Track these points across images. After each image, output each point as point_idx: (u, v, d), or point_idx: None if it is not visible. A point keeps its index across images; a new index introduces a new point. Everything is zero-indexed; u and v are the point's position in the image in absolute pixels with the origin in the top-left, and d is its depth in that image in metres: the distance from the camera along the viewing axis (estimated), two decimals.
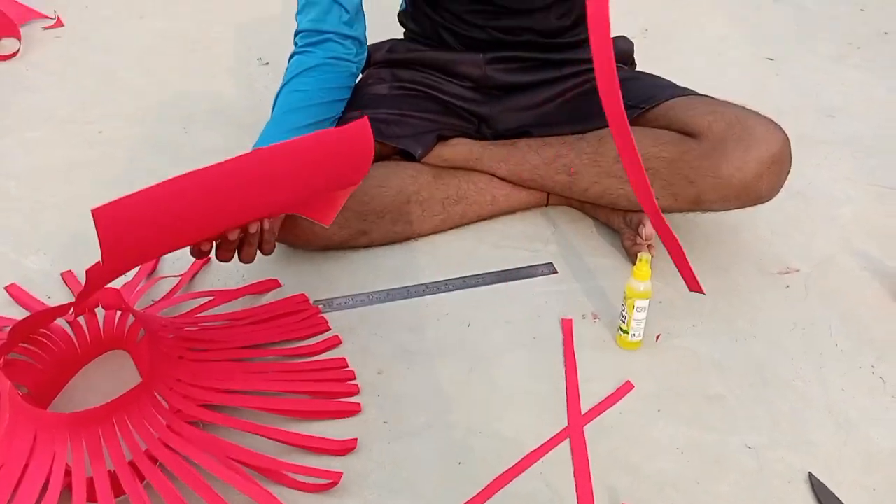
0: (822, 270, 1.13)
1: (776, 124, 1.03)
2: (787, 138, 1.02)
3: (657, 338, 1.00)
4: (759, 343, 1.00)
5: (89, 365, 0.95)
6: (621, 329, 0.97)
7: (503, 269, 1.13)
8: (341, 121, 1.14)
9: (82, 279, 1.10)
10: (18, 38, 1.86)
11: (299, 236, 1.11)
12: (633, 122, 1.11)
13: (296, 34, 1.13)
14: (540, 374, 0.95)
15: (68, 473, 0.74)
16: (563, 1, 1.17)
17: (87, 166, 1.40)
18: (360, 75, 1.26)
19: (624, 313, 0.96)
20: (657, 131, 1.09)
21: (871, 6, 2.09)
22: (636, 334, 0.96)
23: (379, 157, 1.17)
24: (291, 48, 1.14)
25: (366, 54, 1.19)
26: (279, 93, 1.11)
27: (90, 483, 0.73)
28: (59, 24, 1.99)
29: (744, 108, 1.06)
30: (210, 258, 1.14)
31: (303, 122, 1.07)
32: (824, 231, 1.22)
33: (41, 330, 0.91)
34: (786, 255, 1.17)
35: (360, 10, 1.13)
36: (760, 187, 1.02)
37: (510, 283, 1.10)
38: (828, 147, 1.45)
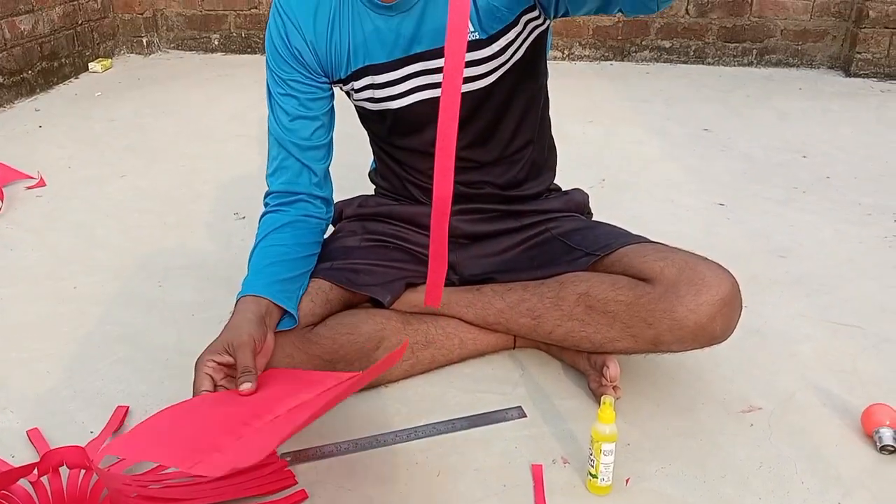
0: (785, 408, 1.16)
1: (724, 269, 1.09)
2: (736, 282, 1.08)
3: (627, 481, 1.00)
4: (727, 484, 1.00)
5: None
6: (591, 474, 0.97)
7: (473, 413, 1.14)
8: (315, 272, 1.18)
9: (48, 436, 1.09)
10: (1, 197, 1.92)
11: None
12: (591, 268, 1.18)
13: (267, 195, 1.21)
14: None
15: None
16: (517, 154, 1.25)
17: (59, 323, 1.42)
18: (332, 228, 1.32)
19: (592, 457, 0.96)
20: (614, 277, 1.14)
21: (812, 153, 2.24)
22: (605, 478, 0.96)
23: (349, 305, 1.21)
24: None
25: (333, 211, 1.26)
26: (256, 247, 1.16)
27: None
28: (41, 184, 2.06)
29: (692, 253, 1.12)
30: None
31: (283, 275, 1.11)
32: (784, 369, 1.25)
33: (2, 492, 0.89)
34: (748, 393, 1.19)
35: (327, 174, 1.22)
36: (714, 328, 1.06)
37: (480, 429, 1.11)
38: (781, 286, 1.51)
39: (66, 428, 1.12)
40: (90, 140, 2.41)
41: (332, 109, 1.21)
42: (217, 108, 2.70)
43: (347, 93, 1.19)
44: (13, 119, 2.63)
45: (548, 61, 1.24)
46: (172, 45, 3.53)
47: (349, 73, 1.14)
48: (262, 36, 3.44)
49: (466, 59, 1.09)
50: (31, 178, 2.09)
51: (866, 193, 1.96)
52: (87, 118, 2.62)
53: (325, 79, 1.17)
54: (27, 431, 1.11)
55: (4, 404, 1.18)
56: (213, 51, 3.50)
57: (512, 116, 1.19)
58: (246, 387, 0.96)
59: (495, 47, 1.09)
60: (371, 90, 1.15)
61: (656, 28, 3.21)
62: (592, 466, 0.96)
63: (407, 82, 1.13)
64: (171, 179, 2.10)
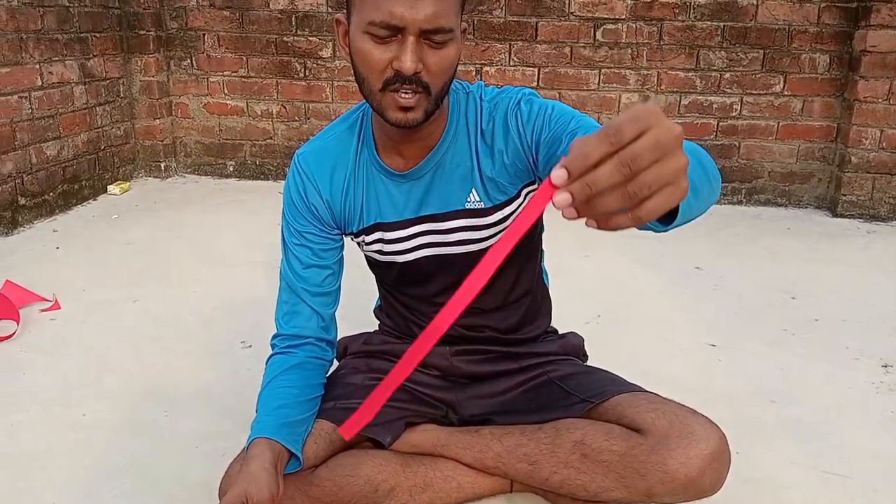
0: None
1: (712, 422, 1.14)
2: (724, 436, 1.13)
3: None
4: None
5: None
6: None
7: None
8: (321, 412, 1.23)
9: None
10: (17, 320, 1.99)
11: None
12: (586, 414, 1.23)
13: (275, 336, 1.27)
14: None
15: None
16: (515, 303, 1.33)
17: (68, 450, 1.45)
18: (336, 363, 1.38)
19: None
20: (608, 426, 1.19)
21: (801, 294, 2.32)
22: None
23: (350, 444, 1.25)
24: (272, 330, 1.27)
25: (336, 351, 1.32)
26: (265, 387, 1.21)
27: None
28: (56, 306, 2.13)
29: (683, 406, 1.17)
30: None
31: (292, 417, 1.15)
32: None
33: None
34: None
35: (333, 317, 1.30)
36: (704, 482, 1.10)
37: None
38: (772, 431, 1.55)
39: None
40: (105, 263, 2.50)
41: (341, 259, 1.30)
42: (229, 233, 2.82)
43: (358, 243, 1.28)
44: (32, 239, 2.73)
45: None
46: (189, 170, 3.70)
47: (361, 227, 1.23)
48: (274, 164, 3.61)
49: (470, 224, 1.19)
50: (47, 300, 2.16)
51: (854, 336, 2.02)
52: (103, 240, 2.72)
53: (337, 231, 1.26)
54: None
55: None
56: (227, 176, 3.66)
57: (512, 269, 1.28)
58: None
59: (498, 216, 1.19)
60: (381, 244, 1.24)
61: None
62: None
63: (414, 240, 1.22)
64: (182, 305, 2.17)
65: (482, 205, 1.18)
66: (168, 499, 1.31)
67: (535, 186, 1.20)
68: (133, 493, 1.33)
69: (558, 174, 0.62)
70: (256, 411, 1.17)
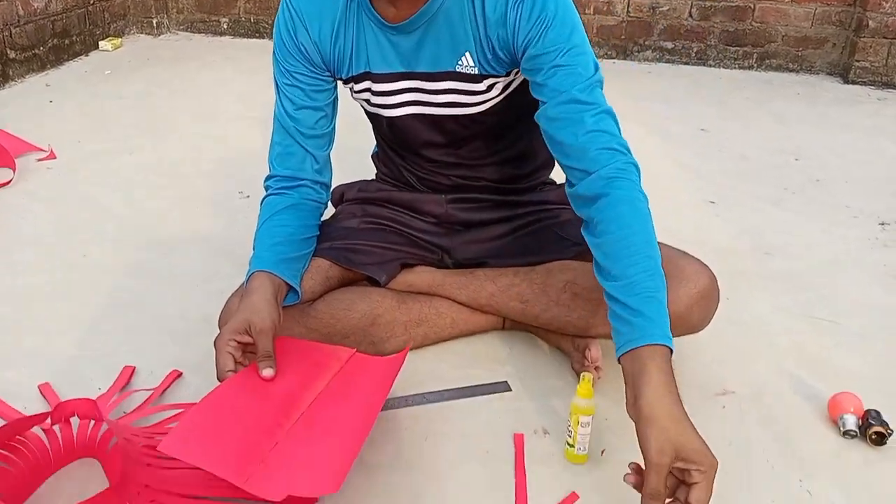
0: (758, 393, 1.22)
1: (703, 264, 1.15)
2: (714, 276, 1.14)
3: (602, 452, 1.06)
4: None
5: (61, 472, 0.98)
6: (568, 443, 1.03)
7: (461, 386, 1.20)
8: (315, 251, 1.24)
9: (58, 391, 1.15)
10: (13, 168, 1.98)
11: None
12: (578, 257, 1.24)
13: (269, 178, 1.24)
14: (492, 486, 1.00)
15: None
16: (515, 157, 1.31)
17: (70, 288, 1.47)
18: (332, 209, 1.38)
19: (570, 429, 1.02)
20: None
21: (805, 156, 2.29)
22: (582, 448, 1.02)
23: (347, 283, 1.27)
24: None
25: (331, 195, 1.31)
26: (261, 226, 1.20)
27: None
28: (52, 156, 2.12)
29: (674, 248, 1.18)
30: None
31: (289, 255, 1.15)
32: (761, 358, 1.31)
33: (17, 437, 0.95)
34: (725, 378, 1.25)
35: (328, 160, 1.27)
36: (692, 318, 1.12)
37: (467, 400, 1.17)
38: (766, 282, 1.57)
39: (76, 384, 1.18)
40: (100, 116, 2.46)
41: (335, 100, 1.25)
42: (224, 90, 2.75)
43: (349, 89, 1.24)
44: (24, 93, 2.68)
45: None
46: (182, 27, 3.57)
47: (350, 75, 1.19)
48: (270, 21, 3.48)
49: (459, 88, 1.15)
50: (42, 150, 2.15)
51: (855, 196, 2.01)
52: (96, 95, 2.67)
53: (328, 74, 1.21)
54: (39, 386, 1.16)
55: (18, 361, 1.24)
56: (221, 34, 3.55)
57: (509, 132, 1.25)
58: (268, 373, 1.01)
59: (486, 84, 1.15)
60: (368, 94, 1.20)
61: (659, 29, 3.25)
62: (570, 437, 1.02)
63: (401, 95, 1.18)
64: (177, 157, 2.15)
65: (475, 70, 1.13)
66: (169, 331, 1.34)
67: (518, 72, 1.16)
68: (135, 325, 1.36)
69: None
70: (253, 248, 1.18)
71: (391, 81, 1.17)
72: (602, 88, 1.09)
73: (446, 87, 1.16)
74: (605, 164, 1.05)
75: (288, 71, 1.20)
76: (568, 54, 1.06)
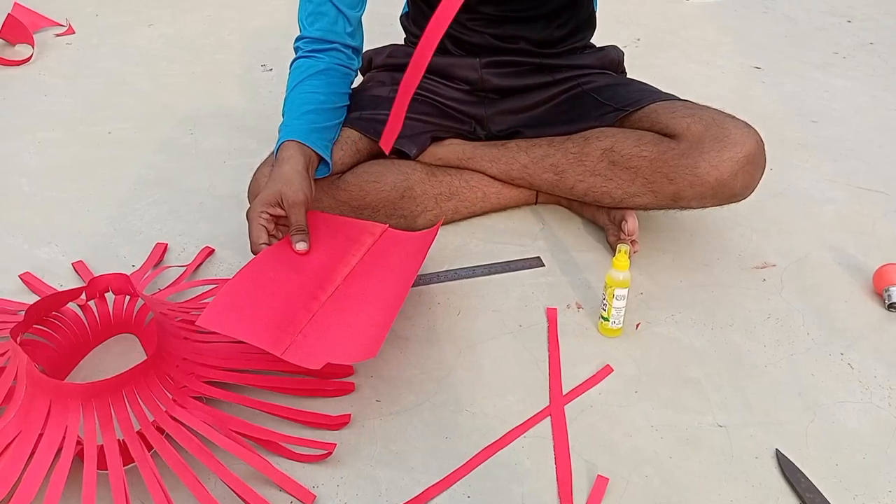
0: (799, 265, 1.18)
1: (751, 127, 1.08)
2: (761, 140, 1.08)
3: (637, 326, 1.05)
4: (734, 332, 1.05)
5: (99, 347, 1.00)
6: (602, 317, 1.02)
7: (493, 262, 1.19)
8: (346, 121, 1.20)
9: (92, 269, 1.16)
10: (32, 44, 1.93)
11: None
12: (619, 124, 1.18)
13: (299, 39, 1.19)
14: (525, 359, 1.00)
15: (80, 442, 0.79)
16: (561, 12, 1.23)
17: (96, 165, 1.46)
18: (360, 77, 1.32)
19: (605, 302, 1.01)
20: (640, 132, 1.15)
21: (857, 18, 2.15)
22: (616, 321, 1.01)
23: (376, 155, 1.23)
24: (293, 55, 1.20)
25: (361, 61, 1.25)
26: (291, 91, 1.15)
27: (101, 451, 0.79)
28: (70, 31, 2.06)
29: (721, 111, 1.11)
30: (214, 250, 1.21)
31: (320, 124, 1.12)
32: (803, 229, 1.27)
33: (55, 313, 0.96)
34: (765, 251, 1.22)
35: (360, 23, 1.20)
36: (735, 185, 1.07)
37: (499, 276, 1.16)
38: (810, 151, 1.50)
39: (109, 262, 1.19)
40: None
41: None
42: None
43: None
44: None
45: None
46: None
47: None
48: None
49: None
50: (60, 25, 2.09)
51: None
52: None
53: None
54: (72, 263, 1.17)
55: (49, 239, 1.25)
56: None
57: None
58: (301, 246, 1.00)
59: None
60: None
61: None
62: (605, 310, 1.01)
63: None
64: (197, 29, 2.08)
65: None
66: (199, 208, 1.33)
67: None
68: (164, 202, 1.35)
69: None
70: (283, 115, 1.14)
71: None
72: None
73: None
74: None
75: None
76: None
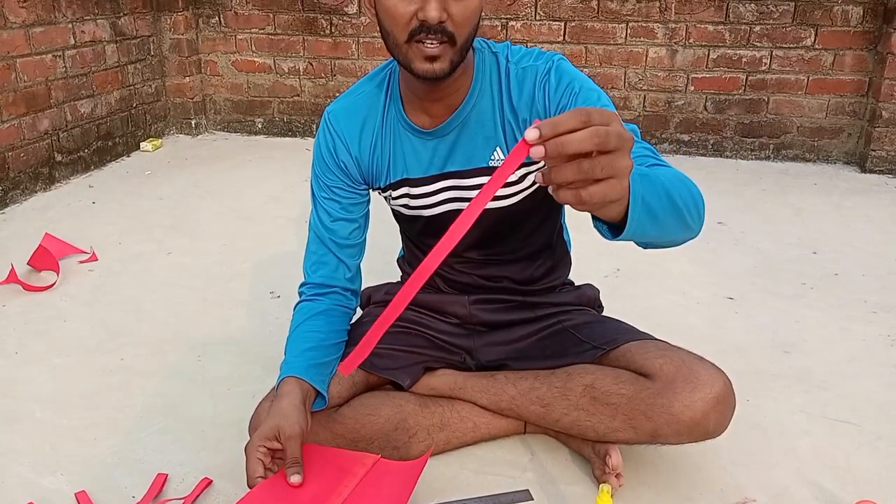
0: (778, 501, 1.22)
1: (718, 369, 1.18)
2: (729, 381, 1.16)
3: None
4: None
5: None
6: None
7: (483, 495, 1.23)
8: (343, 356, 1.29)
9: (94, 499, 1.20)
10: (57, 271, 2.08)
11: None
12: (598, 361, 1.28)
13: (303, 285, 1.33)
14: None
15: None
16: (538, 254, 1.37)
17: (108, 392, 1.54)
18: (360, 311, 1.44)
19: None
20: (618, 370, 1.24)
21: (822, 249, 2.32)
22: None
23: (371, 386, 1.32)
24: (300, 281, 1.33)
25: (360, 300, 1.38)
26: (294, 331, 1.27)
27: None
28: (93, 258, 2.22)
29: (691, 353, 1.21)
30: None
31: (319, 360, 1.22)
32: (781, 463, 1.32)
33: None
34: (745, 485, 1.26)
35: (359, 269, 1.35)
36: (708, 424, 1.14)
37: None
38: (784, 381, 1.59)
39: (111, 492, 1.23)
40: (139, 217, 2.58)
41: (368, 213, 1.34)
42: (258, 189, 2.88)
43: (385, 197, 1.33)
44: (69, 195, 2.82)
45: None
46: (219, 127, 3.76)
47: (388, 183, 1.27)
48: (301, 121, 3.66)
49: None
50: (85, 252, 2.25)
51: (873, 291, 2.03)
52: (137, 196, 2.81)
53: (364, 187, 1.30)
54: (75, 494, 1.21)
55: (55, 468, 1.30)
56: (256, 133, 3.72)
57: (532, 224, 1.32)
58: (295, 479, 1.06)
59: (520, 174, 1.23)
60: (407, 198, 1.28)
61: (675, 122, 3.35)
62: None
63: (439, 195, 1.26)
64: (212, 257, 2.25)
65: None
66: (201, 436, 1.39)
67: None
68: (168, 430, 1.41)
69: (532, 133, 0.69)
70: (285, 353, 1.24)
71: (429, 183, 1.25)
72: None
73: (481, 182, 1.23)
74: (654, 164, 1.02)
75: (327, 185, 1.29)
76: (600, 102, 1.13)
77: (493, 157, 1.22)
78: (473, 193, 1.25)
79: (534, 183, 1.26)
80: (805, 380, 1.59)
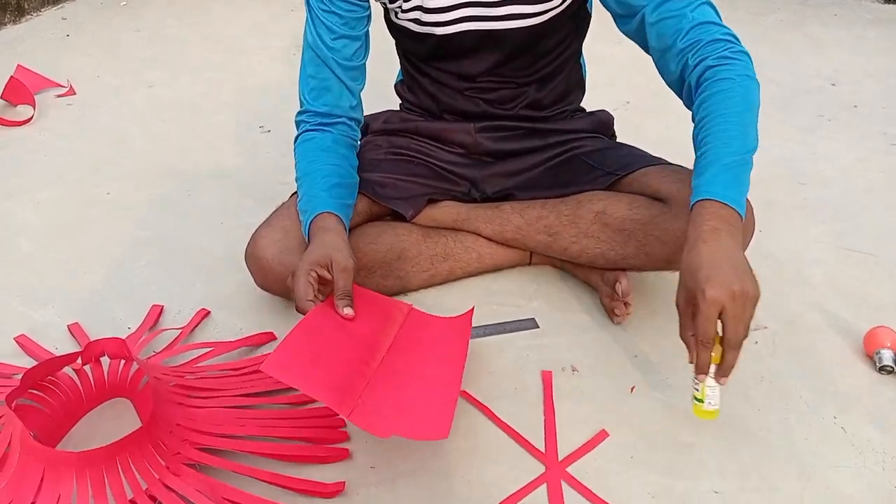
0: (790, 328, 1.19)
1: None
2: (750, 206, 1.10)
3: (632, 389, 1.06)
4: (729, 395, 1.05)
5: (93, 411, 1.00)
6: (696, 398, 0.94)
7: (488, 323, 1.19)
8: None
9: (88, 331, 1.16)
10: (33, 105, 1.96)
11: None
12: (609, 187, 1.21)
13: (304, 112, 1.19)
14: (520, 424, 1.00)
15: None
16: (553, 76, 1.26)
17: (94, 225, 1.47)
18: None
19: (696, 384, 0.93)
20: (632, 196, 1.17)
21: (841, 81, 2.21)
22: (712, 402, 0.93)
23: (372, 217, 1.25)
24: (291, 116, 1.22)
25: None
26: (312, 163, 1.14)
27: None
28: (71, 92, 2.10)
29: None
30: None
31: (346, 199, 1.13)
32: (794, 291, 1.29)
33: (49, 377, 0.96)
34: (756, 313, 1.22)
35: (360, 96, 1.22)
36: None
37: (494, 337, 1.16)
38: (799, 212, 1.53)
39: (105, 323, 1.19)
40: (117, 50, 2.42)
41: (368, 32, 1.20)
42: (240, 20, 2.69)
43: (392, 9, 1.18)
44: (40, 26, 2.64)
45: None
46: None
47: None
48: None
49: None
50: (62, 86, 2.13)
51: (893, 123, 1.94)
52: (113, 28, 2.63)
53: None
54: (68, 325, 1.17)
55: (45, 300, 1.25)
56: None
57: (554, 42, 1.21)
58: (348, 312, 0.98)
59: None
60: (419, 12, 1.14)
61: None
62: (698, 390, 0.93)
63: (456, 11, 1.13)
64: (195, 90, 2.12)
65: None
66: (194, 269, 1.34)
67: None
68: (160, 262, 1.36)
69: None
70: (305, 185, 1.13)
71: None
72: None
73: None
74: (713, 54, 1.02)
75: None
76: None
77: None
78: (496, 12, 1.12)
79: (563, 1, 1.14)
80: (820, 210, 1.54)
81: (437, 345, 1.03)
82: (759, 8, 2.87)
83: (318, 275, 0.99)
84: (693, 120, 1.04)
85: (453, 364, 0.98)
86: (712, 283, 0.87)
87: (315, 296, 0.99)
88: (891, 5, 2.93)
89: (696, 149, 1.00)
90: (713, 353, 0.91)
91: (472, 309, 1.13)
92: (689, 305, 0.91)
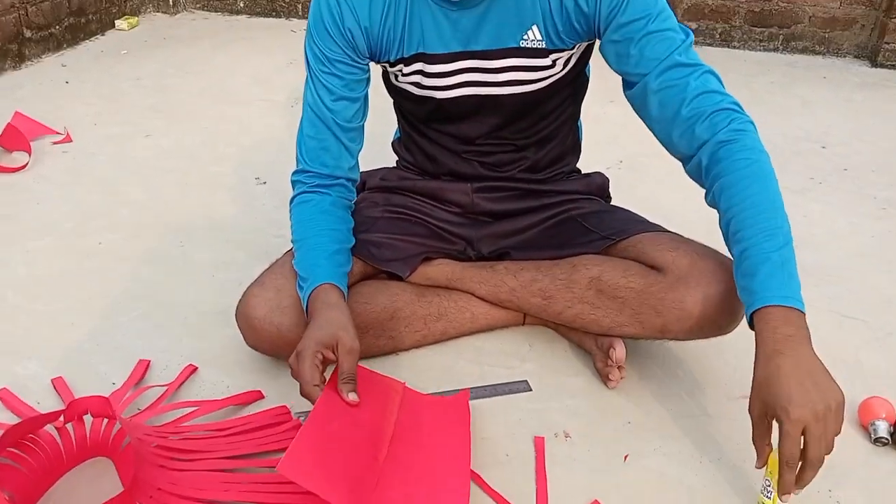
0: None
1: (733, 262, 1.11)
2: None
3: (625, 458, 1.04)
4: (724, 467, 1.04)
5: (73, 471, 0.97)
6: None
7: (480, 385, 1.18)
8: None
9: (72, 386, 1.14)
10: (28, 151, 1.96)
11: (286, 348, 1.15)
12: (605, 252, 1.20)
13: (301, 172, 1.18)
14: (512, 493, 0.98)
15: None
16: (550, 139, 1.27)
17: (84, 277, 1.46)
18: None
19: (769, 486, 0.93)
20: (627, 262, 1.17)
21: (831, 143, 2.24)
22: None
23: (367, 276, 1.24)
24: (287, 169, 1.21)
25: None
26: (311, 227, 1.14)
27: None
28: (67, 139, 2.10)
29: (704, 245, 1.14)
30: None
31: (344, 265, 1.12)
32: None
33: (30, 435, 0.94)
34: (749, 380, 1.21)
35: (358, 158, 1.22)
36: (721, 320, 1.09)
37: (487, 400, 1.15)
38: None
39: (89, 378, 1.17)
40: (116, 98, 2.44)
41: (367, 94, 1.20)
42: (240, 71, 2.72)
43: (392, 73, 1.19)
44: (40, 73, 2.66)
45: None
46: (198, 6, 3.54)
47: (399, 57, 1.13)
48: (286, 0, 3.44)
49: (523, 65, 1.12)
50: (58, 133, 2.13)
51: (883, 187, 1.96)
52: (112, 76, 2.65)
53: (367, 61, 1.16)
54: (52, 380, 1.15)
55: (30, 353, 1.23)
56: (237, 13, 3.50)
57: (552, 107, 1.22)
58: (352, 397, 0.96)
59: (552, 59, 1.12)
60: (419, 76, 1.15)
61: (683, 8, 3.18)
62: (769, 497, 0.93)
63: (457, 76, 1.14)
64: (193, 140, 2.13)
65: (541, 45, 1.09)
66: (184, 323, 1.33)
67: (590, 42, 1.15)
68: (149, 316, 1.34)
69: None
70: (302, 250, 1.12)
71: (447, 62, 1.13)
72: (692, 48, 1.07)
73: (508, 64, 1.12)
74: (722, 128, 1.02)
75: (327, 58, 1.13)
76: (658, 19, 1.04)
77: (525, 38, 1.09)
78: (497, 77, 1.13)
79: (564, 67, 1.15)
80: (813, 274, 1.54)
81: (438, 432, 1.02)
82: (751, 70, 2.92)
83: (323, 356, 0.97)
84: (710, 199, 1.06)
85: (459, 454, 0.97)
86: (796, 404, 0.86)
87: (321, 379, 0.97)
88: (878, 69, 2.99)
89: (731, 241, 1.00)
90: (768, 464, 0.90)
91: (469, 391, 1.12)
92: (764, 417, 0.90)
